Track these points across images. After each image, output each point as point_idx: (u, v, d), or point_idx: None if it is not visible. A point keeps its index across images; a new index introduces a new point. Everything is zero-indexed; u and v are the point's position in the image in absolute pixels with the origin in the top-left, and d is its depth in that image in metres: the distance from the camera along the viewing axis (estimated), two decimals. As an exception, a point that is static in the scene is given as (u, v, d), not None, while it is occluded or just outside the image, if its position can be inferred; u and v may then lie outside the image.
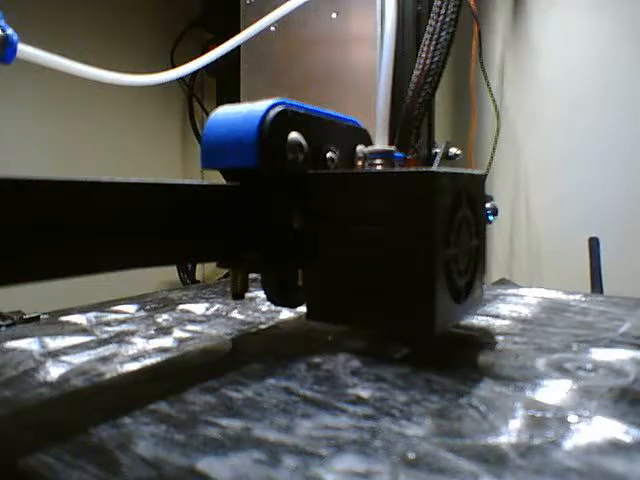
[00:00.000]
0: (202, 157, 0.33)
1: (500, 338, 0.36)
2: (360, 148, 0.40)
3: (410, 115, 0.72)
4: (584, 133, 0.86)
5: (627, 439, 0.21)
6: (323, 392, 0.27)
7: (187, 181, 0.30)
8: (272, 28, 0.85)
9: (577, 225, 0.85)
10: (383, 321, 0.31)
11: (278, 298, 0.36)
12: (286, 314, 0.44)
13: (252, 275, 0.36)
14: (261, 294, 0.47)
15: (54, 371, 0.30)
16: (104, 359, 0.32)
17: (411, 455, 0.20)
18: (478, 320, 0.39)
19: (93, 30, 0.98)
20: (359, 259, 0.31)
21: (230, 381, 0.28)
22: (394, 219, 0.30)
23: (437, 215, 0.29)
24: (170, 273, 1.09)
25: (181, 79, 1.15)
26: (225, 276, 1.08)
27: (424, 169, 0.29)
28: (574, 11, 0.87)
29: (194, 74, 1.15)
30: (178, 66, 1.14)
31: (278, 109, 0.32)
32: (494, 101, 0.88)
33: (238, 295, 0.35)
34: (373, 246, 0.30)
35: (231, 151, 0.32)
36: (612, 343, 0.35)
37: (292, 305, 0.37)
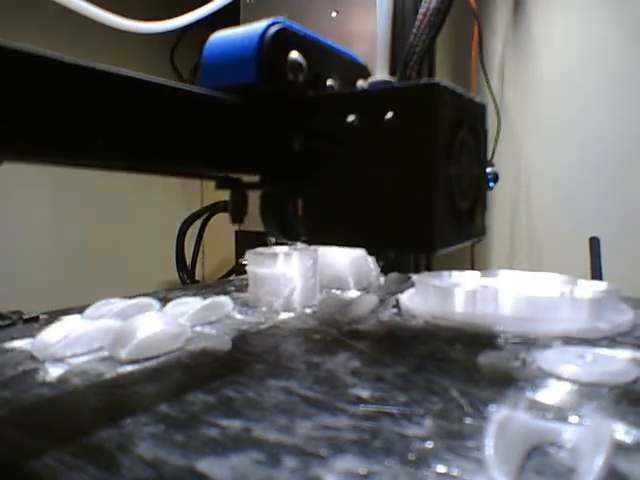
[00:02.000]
0: (202, 77, 0.33)
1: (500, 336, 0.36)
2: (360, 83, 0.40)
3: (412, 50, 0.72)
4: (584, 133, 0.86)
5: (628, 439, 0.21)
6: (323, 392, 0.27)
7: (187, 86, 0.29)
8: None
9: (577, 225, 0.85)
10: (383, 239, 0.31)
11: (278, 229, 0.35)
12: (286, 314, 0.44)
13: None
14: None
15: (54, 371, 0.30)
16: (104, 359, 0.32)
17: (411, 456, 0.20)
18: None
19: (93, 29, 0.97)
20: (359, 179, 0.30)
21: (230, 381, 0.28)
22: (396, 134, 0.29)
23: (439, 127, 0.28)
24: (170, 273, 1.09)
25: (181, 79, 1.15)
26: (225, 276, 1.08)
27: (426, 80, 0.29)
28: (575, 11, 0.86)
29: (194, 72, 1.15)
30: (178, 66, 1.14)
31: (278, 27, 0.32)
32: (494, 101, 0.88)
33: (237, 218, 0.34)
34: (374, 164, 0.30)
35: (230, 68, 0.31)
36: (612, 343, 0.35)
37: (292, 237, 0.36)
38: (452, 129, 0.30)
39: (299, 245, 0.48)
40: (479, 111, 0.34)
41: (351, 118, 0.30)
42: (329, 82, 0.35)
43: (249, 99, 0.31)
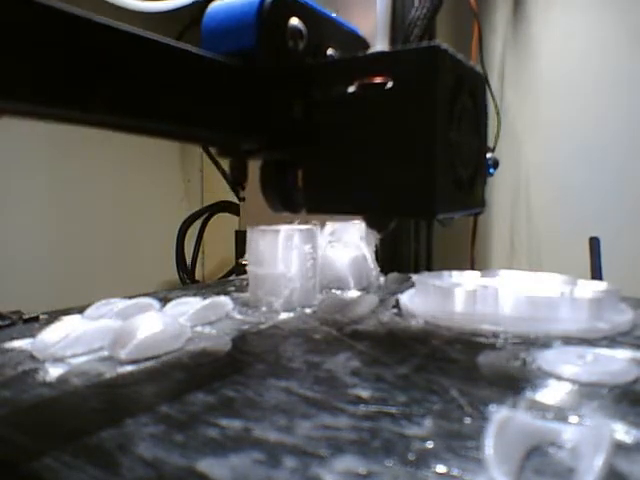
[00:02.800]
0: (202, 44, 0.32)
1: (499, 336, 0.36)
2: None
3: (413, 23, 0.72)
4: (584, 133, 0.86)
5: (628, 439, 0.21)
6: (323, 392, 0.27)
7: (188, 46, 0.28)
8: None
9: (577, 225, 0.85)
10: (384, 206, 0.30)
11: (278, 201, 0.35)
12: (286, 314, 0.44)
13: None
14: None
15: (54, 371, 0.30)
16: (104, 359, 0.32)
17: (411, 456, 0.20)
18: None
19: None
20: (359, 145, 0.30)
21: (230, 381, 0.28)
22: (396, 98, 0.29)
23: (439, 90, 0.28)
24: (170, 273, 1.09)
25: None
26: (225, 276, 1.08)
27: (426, 43, 0.29)
28: (575, 11, 0.86)
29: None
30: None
31: None
32: (494, 101, 0.88)
33: (237, 183, 0.34)
34: (374, 130, 0.30)
35: (230, 33, 0.31)
36: (612, 343, 0.35)
37: (292, 208, 0.36)
38: (452, 94, 0.29)
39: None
40: (480, 80, 0.34)
41: (351, 84, 0.30)
42: (329, 52, 0.35)
43: (249, 65, 0.31)
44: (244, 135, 0.32)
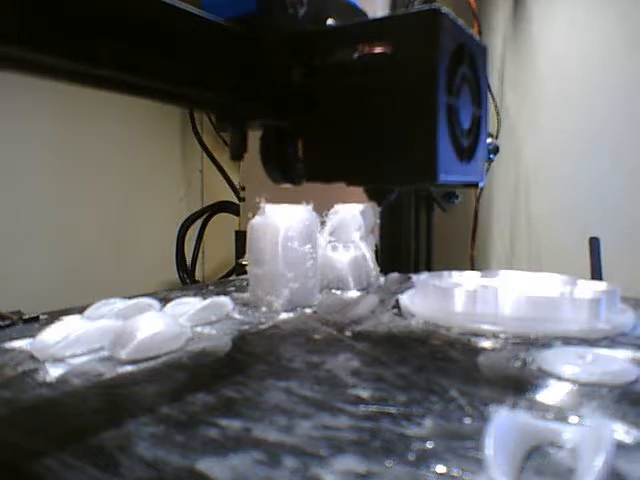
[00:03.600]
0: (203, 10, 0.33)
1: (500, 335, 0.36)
2: None
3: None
4: (584, 133, 0.86)
5: (628, 439, 0.21)
6: (323, 392, 0.27)
7: (190, 7, 0.28)
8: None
9: (577, 225, 0.85)
10: (386, 172, 0.30)
11: (278, 170, 0.35)
12: (286, 314, 0.44)
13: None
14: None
15: (54, 372, 0.30)
16: (104, 359, 0.32)
17: (411, 456, 0.20)
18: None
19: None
20: (360, 111, 0.30)
21: (230, 381, 0.28)
22: (397, 64, 0.29)
23: (439, 53, 0.28)
24: (170, 273, 1.09)
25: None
26: (225, 276, 1.08)
27: (427, 7, 0.29)
28: (575, 10, 0.86)
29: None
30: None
31: None
32: (494, 101, 0.88)
33: (237, 155, 0.34)
34: (374, 94, 0.30)
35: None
36: (612, 343, 0.35)
37: (292, 180, 0.35)
38: (453, 59, 0.29)
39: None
40: (480, 49, 0.34)
41: (351, 50, 0.30)
42: (329, 22, 0.35)
43: (249, 31, 0.31)
44: (244, 99, 0.32)
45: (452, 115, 0.30)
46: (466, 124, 0.32)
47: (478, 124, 0.33)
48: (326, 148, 0.32)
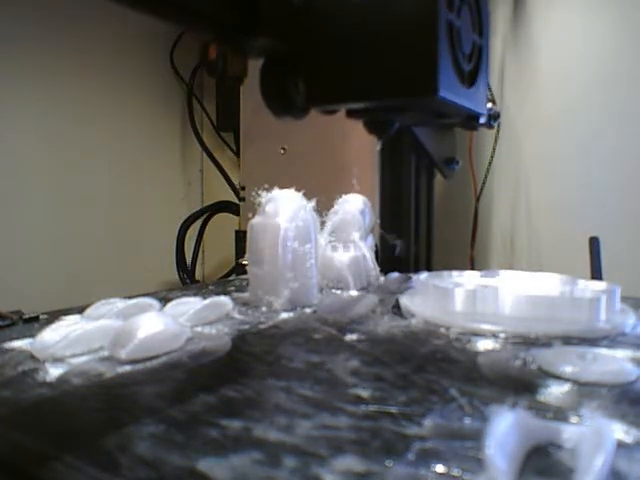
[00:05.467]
0: None
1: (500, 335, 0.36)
2: None
3: None
4: (584, 133, 0.86)
5: (627, 439, 0.21)
6: (323, 392, 0.27)
7: None
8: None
9: (577, 225, 0.85)
10: (387, 90, 0.30)
11: (280, 105, 0.34)
12: (286, 314, 0.44)
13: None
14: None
15: (54, 371, 0.30)
16: (104, 359, 0.32)
17: (411, 456, 0.20)
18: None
19: (93, 29, 0.97)
20: (360, 31, 0.30)
21: (230, 381, 0.28)
22: None
23: None
24: (170, 273, 1.09)
25: (181, 79, 1.15)
26: (225, 276, 1.08)
27: None
28: (574, 11, 0.86)
29: (194, 74, 1.14)
30: (177, 65, 1.14)
31: None
32: (494, 101, 0.88)
33: (239, 79, 0.34)
34: (375, 13, 0.30)
35: None
36: (612, 343, 0.35)
37: (293, 113, 0.35)
38: None
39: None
40: None
41: None
42: None
43: None
44: (242, 18, 0.32)
45: (452, 32, 0.30)
46: (467, 48, 0.32)
47: (479, 53, 0.33)
48: (326, 70, 0.32)
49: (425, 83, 0.29)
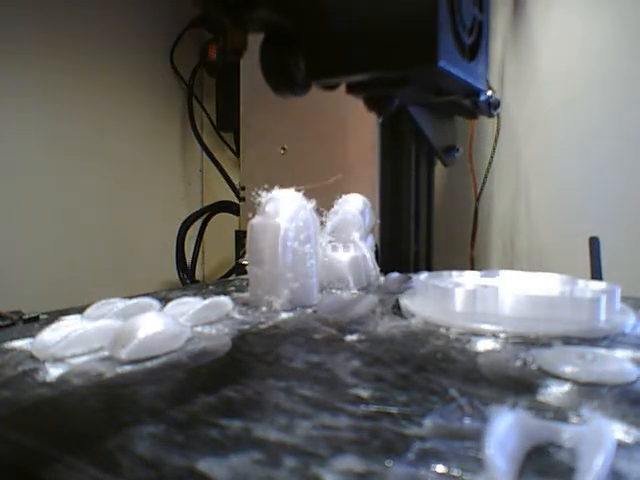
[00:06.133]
0: None
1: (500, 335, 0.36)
2: None
3: None
4: (584, 133, 0.86)
5: (627, 439, 0.21)
6: (323, 392, 0.27)
7: None
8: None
9: (577, 225, 0.85)
10: (385, 58, 0.30)
11: (280, 81, 0.34)
12: (286, 314, 0.44)
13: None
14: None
15: (54, 371, 0.30)
16: (104, 359, 0.32)
17: (411, 456, 0.20)
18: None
19: (93, 29, 0.97)
20: (360, 1, 0.30)
21: (230, 381, 0.28)
22: None
23: None
24: (170, 273, 1.09)
25: (181, 79, 1.15)
26: (225, 276, 1.08)
27: None
28: (574, 11, 0.86)
29: (194, 74, 1.14)
30: (177, 65, 1.14)
31: None
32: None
33: (238, 52, 0.34)
34: None
35: None
36: (612, 343, 0.35)
37: (293, 89, 0.35)
38: None
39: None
40: None
41: None
42: None
43: None
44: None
45: (453, 3, 0.30)
46: (467, 21, 0.32)
47: (480, 28, 0.33)
48: (327, 42, 0.32)
49: (425, 52, 0.29)
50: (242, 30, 0.33)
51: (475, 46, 0.33)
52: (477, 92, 0.35)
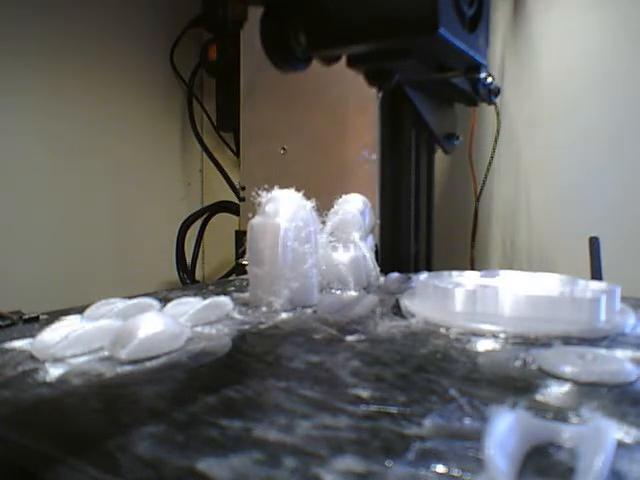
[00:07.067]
0: None
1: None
2: None
3: None
4: (584, 133, 0.86)
5: (627, 439, 0.21)
6: (323, 392, 0.27)
7: None
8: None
9: (577, 225, 0.85)
10: (385, 28, 0.30)
11: (281, 56, 0.34)
12: (286, 314, 0.44)
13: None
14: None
15: (54, 371, 0.30)
16: (104, 359, 0.32)
17: (411, 456, 0.20)
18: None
19: (94, 29, 0.97)
20: None
21: (230, 381, 0.28)
22: None
23: None
24: (170, 273, 1.09)
25: (181, 79, 1.15)
26: (225, 276, 1.08)
27: None
28: (574, 11, 0.86)
29: (194, 74, 1.14)
30: (177, 65, 1.14)
31: None
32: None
33: (239, 23, 0.34)
34: None
35: None
36: (612, 343, 0.35)
37: (294, 64, 0.34)
38: None
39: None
40: None
41: None
42: None
43: None
44: None
45: None
46: None
47: (480, 1, 0.33)
48: (327, 12, 0.32)
49: (425, 20, 0.29)
50: (242, 1, 0.33)
51: (476, 18, 0.33)
52: (477, 66, 0.35)
